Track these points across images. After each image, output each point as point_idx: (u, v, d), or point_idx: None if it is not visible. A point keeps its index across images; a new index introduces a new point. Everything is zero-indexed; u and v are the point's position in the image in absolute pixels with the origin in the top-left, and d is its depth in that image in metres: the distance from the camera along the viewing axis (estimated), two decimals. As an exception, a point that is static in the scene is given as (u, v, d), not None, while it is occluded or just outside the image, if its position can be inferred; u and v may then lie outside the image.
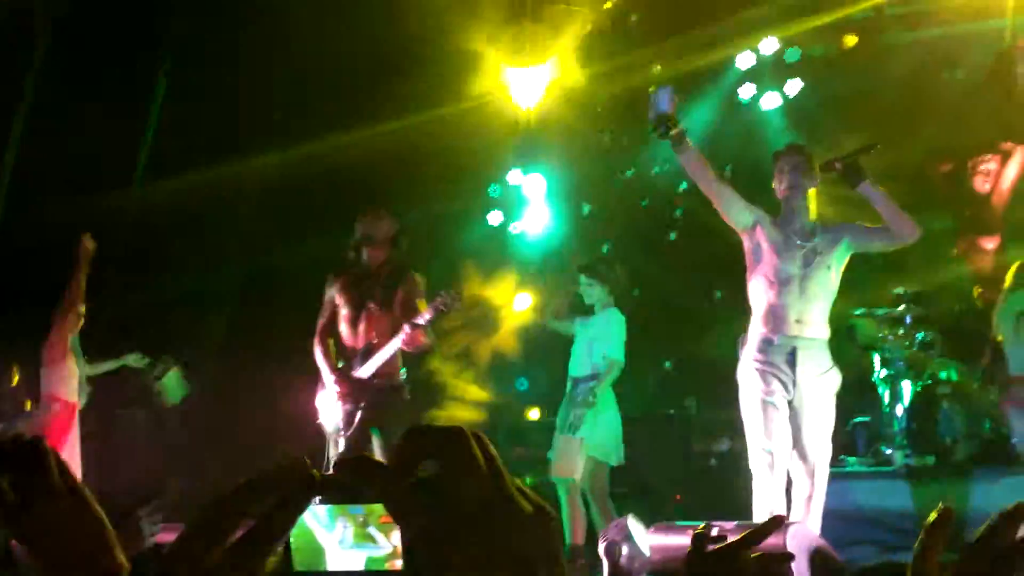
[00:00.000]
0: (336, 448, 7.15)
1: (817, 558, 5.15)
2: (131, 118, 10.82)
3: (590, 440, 7.90)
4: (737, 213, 6.52)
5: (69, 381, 8.38)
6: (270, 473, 1.10)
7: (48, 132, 10.04)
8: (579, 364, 8.18)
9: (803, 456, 6.24)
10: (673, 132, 6.17)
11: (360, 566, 1.26)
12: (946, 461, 8.34)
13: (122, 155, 10.86)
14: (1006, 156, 11.06)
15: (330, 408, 7.25)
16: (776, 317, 6.33)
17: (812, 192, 6.45)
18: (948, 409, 8.44)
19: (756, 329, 6.43)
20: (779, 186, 6.53)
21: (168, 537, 5.95)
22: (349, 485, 1.03)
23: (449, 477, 0.99)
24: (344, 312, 7.39)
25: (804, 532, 5.35)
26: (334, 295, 7.46)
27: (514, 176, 11.98)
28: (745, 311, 6.58)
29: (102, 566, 1.67)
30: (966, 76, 11.40)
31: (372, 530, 1.24)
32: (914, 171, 10.31)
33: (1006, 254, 10.06)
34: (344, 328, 7.38)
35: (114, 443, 9.07)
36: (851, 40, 11.30)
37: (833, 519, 6.65)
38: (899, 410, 8.64)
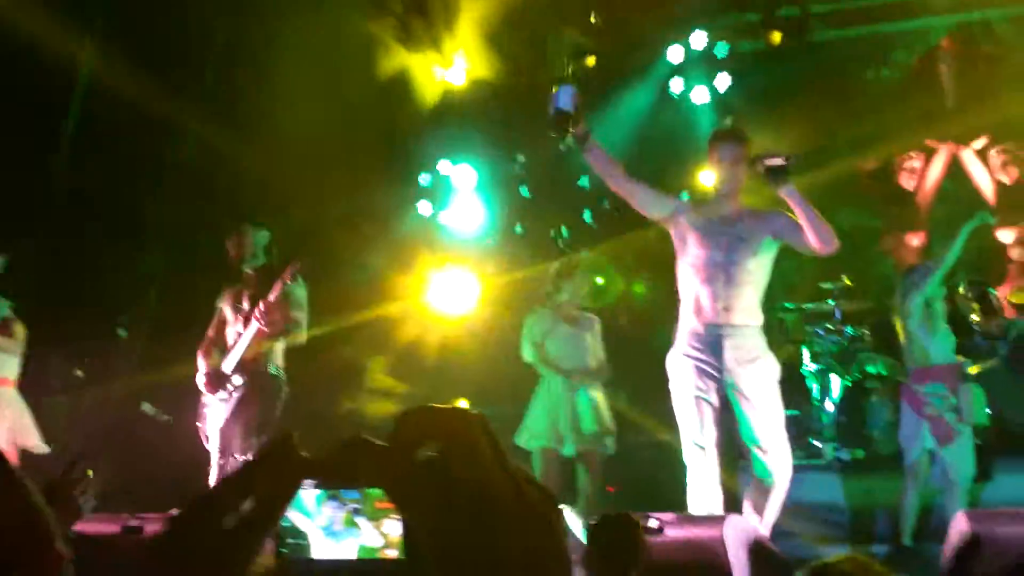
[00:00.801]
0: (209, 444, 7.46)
1: (757, 549, 5.17)
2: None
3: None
4: (653, 207, 6.46)
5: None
6: (260, 456, 1.06)
7: None
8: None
9: (755, 446, 6.18)
10: (574, 131, 6.04)
11: (351, 555, 1.23)
12: (874, 454, 8.46)
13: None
14: (931, 154, 11.24)
15: (208, 407, 7.50)
16: (702, 306, 6.25)
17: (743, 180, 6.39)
18: (877, 403, 8.56)
19: (684, 319, 6.37)
20: (712, 169, 6.48)
21: (100, 525, 5.88)
22: (345, 467, 0.99)
23: (452, 460, 0.95)
24: (229, 324, 7.55)
25: (742, 524, 5.38)
26: (221, 308, 7.73)
27: (443, 166, 11.96)
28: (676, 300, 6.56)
29: (43, 556, 1.63)
30: (891, 74, 11.57)
31: (361, 519, 1.21)
32: (840, 168, 10.43)
33: (931, 250, 10.23)
34: (230, 339, 7.54)
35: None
36: (776, 37, 11.40)
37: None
38: (828, 404, 8.74)
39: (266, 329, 7.32)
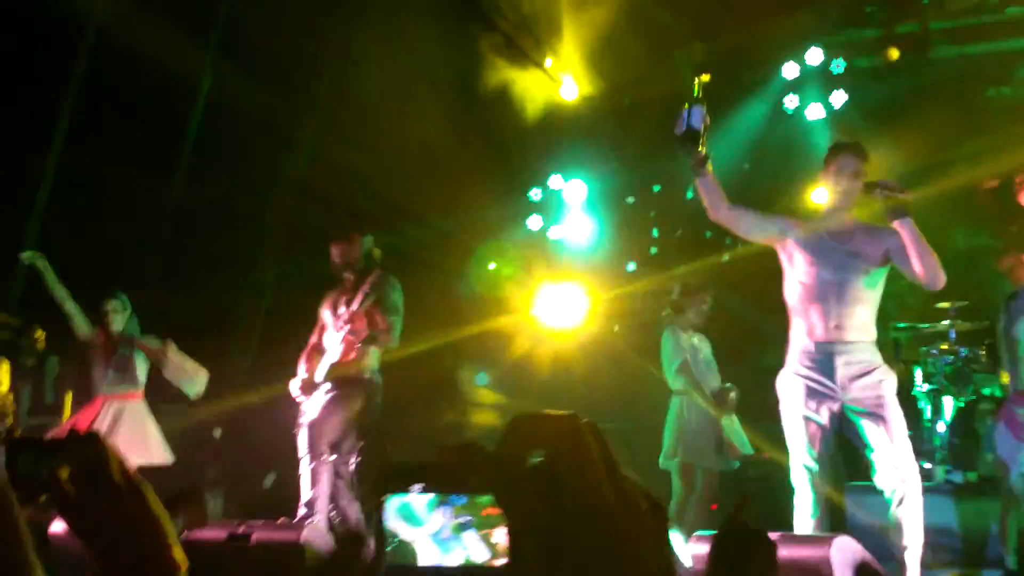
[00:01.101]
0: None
1: (864, 571, 5.07)
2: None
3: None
4: (758, 231, 6.34)
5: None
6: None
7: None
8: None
9: (878, 460, 5.96)
10: (699, 152, 5.90)
11: (459, 561, 1.22)
12: (987, 477, 8.25)
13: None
14: (1052, 173, 10.97)
15: (303, 414, 7.55)
16: (813, 324, 6.09)
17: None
18: (991, 425, 8.35)
19: (795, 337, 6.22)
20: (827, 181, 6.25)
21: (208, 532, 5.98)
22: (455, 471, 0.98)
23: (560, 466, 0.93)
24: (328, 330, 7.65)
25: (849, 545, 5.28)
26: (321, 313, 7.80)
27: (555, 181, 12.01)
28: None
29: (160, 565, 1.65)
30: (1013, 92, 11.33)
31: (469, 528, 1.20)
32: (958, 186, 10.22)
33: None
34: (327, 345, 7.68)
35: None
36: (895, 53, 11.23)
37: (872, 533, 6.58)
38: (940, 425, 8.56)
39: (351, 336, 7.39)
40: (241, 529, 6.10)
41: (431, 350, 9.82)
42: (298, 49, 11.04)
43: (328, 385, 7.45)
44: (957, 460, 8.47)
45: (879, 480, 5.98)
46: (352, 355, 7.45)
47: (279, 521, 6.51)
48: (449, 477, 1.01)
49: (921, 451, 8.56)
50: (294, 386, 7.57)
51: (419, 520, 1.34)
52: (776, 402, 6.28)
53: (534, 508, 0.94)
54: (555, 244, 12.25)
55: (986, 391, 8.55)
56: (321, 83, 11.43)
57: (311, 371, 7.57)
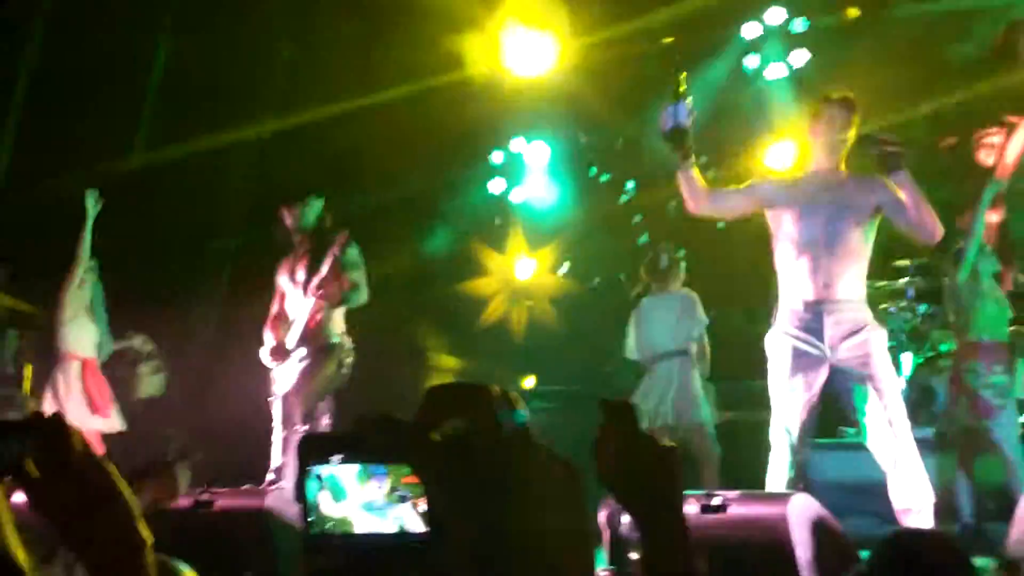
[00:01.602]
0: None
1: (820, 528, 5.11)
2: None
3: None
4: (746, 207, 6.35)
5: (81, 338, 8.53)
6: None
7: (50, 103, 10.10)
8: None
9: (874, 423, 5.92)
10: (685, 146, 5.93)
11: (392, 529, 1.22)
12: (943, 433, 8.32)
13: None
14: (1011, 129, 11.01)
15: (276, 381, 7.61)
16: (801, 282, 6.04)
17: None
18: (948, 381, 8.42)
19: (783, 298, 6.17)
20: (814, 133, 6.17)
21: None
22: (372, 442, 0.99)
23: (475, 436, 0.94)
24: (289, 296, 7.59)
25: (806, 502, 5.32)
26: (278, 281, 7.80)
27: (517, 144, 11.98)
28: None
29: (124, 541, 1.65)
30: (972, 50, 11.36)
31: (403, 494, 1.20)
32: (918, 144, 10.26)
33: (1009, 227, 10.04)
34: (291, 311, 7.67)
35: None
36: (854, 12, 11.26)
37: (831, 489, 6.62)
38: (900, 382, 8.62)
39: (324, 302, 7.40)
40: (205, 496, 6.10)
41: (396, 316, 9.83)
42: (256, 14, 10.95)
43: (301, 352, 7.45)
44: (916, 416, 8.52)
45: (871, 442, 5.95)
46: (319, 320, 7.45)
47: (244, 488, 6.53)
48: (367, 447, 1.01)
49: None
50: (265, 354, 7.57)
51: (343, 491, 1.34)
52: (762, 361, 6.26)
53: (449, 479, 0.95)
54: (518, 207, 12.23)
55: (944, 347, 8.62)
56: (280, 48, 11.35)
57: (279, 339, 7.56)
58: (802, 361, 6.03)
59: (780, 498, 5.22)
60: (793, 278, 6.12)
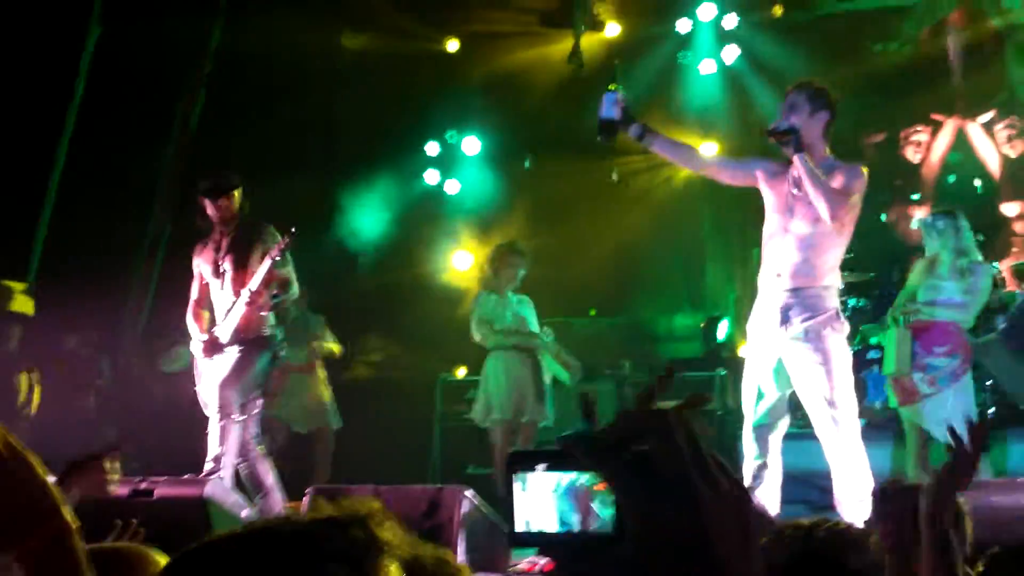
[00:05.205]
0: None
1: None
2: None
3: None
4: (742, 177, 6.21)
5: None
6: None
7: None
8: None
9: (819, 411, 5.84)
10: (630, 132, 5.85)
11: (575, 528, 1.30)
12: (874, 425, 8.47)
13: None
14: (936, 127, 11.26)
15: (203, 372, 7.45)
16: (766, 269, 5.99)
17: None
18: (877, 374, 8.57)
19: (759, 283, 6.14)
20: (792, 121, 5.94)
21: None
22: (575, 458, 1.14)
23: (657, 457, 1.08)
24: (212, 286, 7.51)
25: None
26: (197, 269, 7.58)
27: (450, 136, 12.03)
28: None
29: (48, 528, 1.67)
30: (899, 48, 11.56)
31: (589, 497, 1.28)
32: (846, 141, 10.42)
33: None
34: (216, 300, 7.51)
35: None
36: (778, 9, 11.44)
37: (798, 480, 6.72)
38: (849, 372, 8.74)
39: (261, 312, 7.33)
40: (144, 485, 6.09)
41: (325, 308, 9.81)
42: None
43: (235, 347, 7.40)
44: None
45: (817, 429, 5.91)
46: (253, 314, 7.39)
47: (184, 477, 6.52)
48: (566, 458, 1.30)
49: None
50: (196, 348, 7.49)
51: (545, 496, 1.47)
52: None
53: (634, 489, 1.12)
54: (451, 199, 12.25)
55: (873, 340, 8.76)
56: (212, 36, 11.26)
57: (206, 331, 7.49)
58: (764, 346, 5.98)
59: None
60: (762, 263, 6.09)
